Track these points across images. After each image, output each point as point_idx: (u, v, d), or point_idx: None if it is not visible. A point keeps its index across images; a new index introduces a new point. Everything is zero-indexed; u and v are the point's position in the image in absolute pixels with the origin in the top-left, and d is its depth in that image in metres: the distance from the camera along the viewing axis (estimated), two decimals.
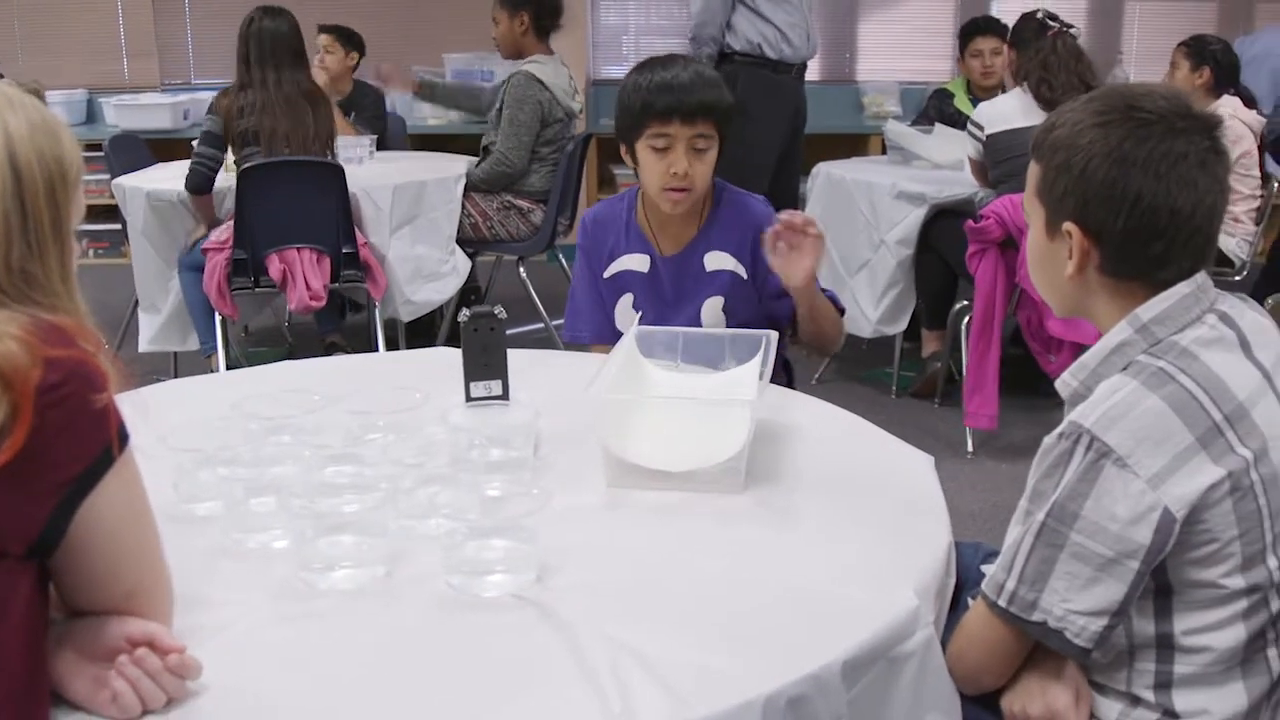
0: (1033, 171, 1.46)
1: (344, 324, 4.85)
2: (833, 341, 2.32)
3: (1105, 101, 1.39)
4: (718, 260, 2.31)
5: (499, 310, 1.77)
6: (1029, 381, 4.01)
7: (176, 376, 3.93)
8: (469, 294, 5.03)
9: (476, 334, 1.77)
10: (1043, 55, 3.83)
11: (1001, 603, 1.36)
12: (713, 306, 2.30)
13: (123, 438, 1.10)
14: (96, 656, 1.10)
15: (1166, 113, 1.36)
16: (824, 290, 2.26)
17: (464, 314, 1.77)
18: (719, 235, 2.31)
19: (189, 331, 4.23)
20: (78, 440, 1.06)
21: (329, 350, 4.52)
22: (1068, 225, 1.39)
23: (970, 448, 3.89)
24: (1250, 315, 1.41)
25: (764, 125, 4.64)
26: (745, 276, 2.29)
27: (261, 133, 4.00)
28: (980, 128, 4.02)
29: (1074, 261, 1.40)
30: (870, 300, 4.37)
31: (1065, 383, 1.43)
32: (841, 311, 2.32)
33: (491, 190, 4.64)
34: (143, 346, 4.36)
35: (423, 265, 4.35)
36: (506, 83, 4.62)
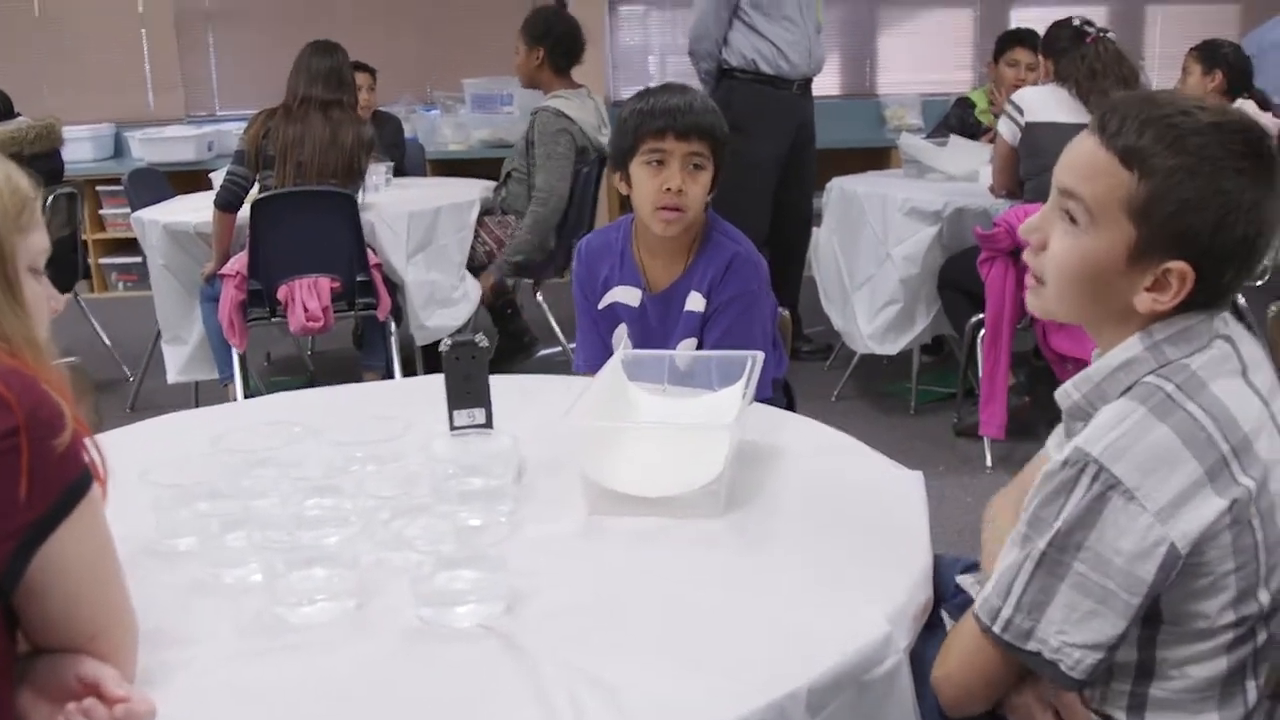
0: (1123, 180, 1.28)
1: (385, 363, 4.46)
2: None
3: (1240, 138, 1.27)
4: (694, 301, 2.32)
5: (480, 338, 1.77)
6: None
7: (197, 406, 3.97)
8: (506, 308, 5.03)
9: (458, 362, 1.77)
10: (1088, 61, 3.75)
11: (996, 629, 1.32)
12: (686, 348, 2.28)
13: (84, 483, 1.10)
14: (51, 696, 1.10)
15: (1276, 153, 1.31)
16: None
17: (444, 343, 1.77)
18: (699, 276, 2.32)
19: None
20: (33, 486, 1.05)
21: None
22: (1179, 265, 1.28)
23: (989, 462, 3.85)
24: (1248, 343, 1.36)
25: (762, 140, 4.66)
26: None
27: (271, 138, 3.99)
28: (1020, 111, 3.89)
29: (1165, 297, 1.30)
30: (867, 315, 4.31)
31: (1066, 394, 1.39)
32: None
33: (539, 234, 4.57)
34: (171, 378, 4.40)
35: (436, 291, 4.37)
36: (533, 119, 4.62)
